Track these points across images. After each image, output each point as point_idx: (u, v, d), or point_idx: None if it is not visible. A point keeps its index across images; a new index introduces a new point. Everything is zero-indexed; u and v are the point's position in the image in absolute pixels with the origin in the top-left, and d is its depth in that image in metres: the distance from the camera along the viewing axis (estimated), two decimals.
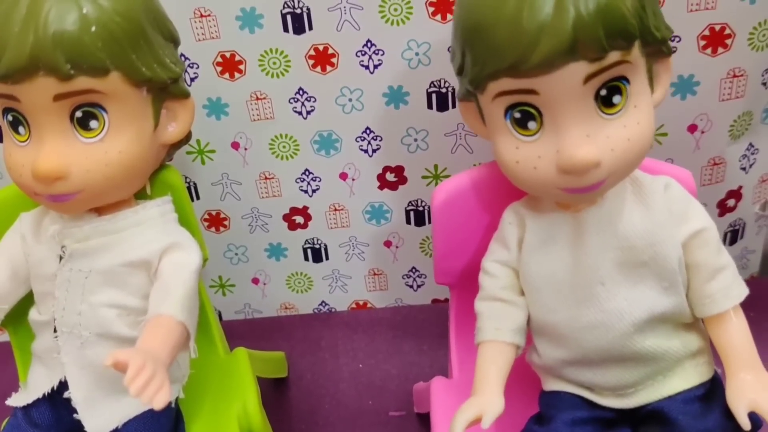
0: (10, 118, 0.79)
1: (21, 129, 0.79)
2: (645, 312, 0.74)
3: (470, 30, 0.70)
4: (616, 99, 0.69)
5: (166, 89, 0.82)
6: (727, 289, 0.75)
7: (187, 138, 0.90)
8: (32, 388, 0.87)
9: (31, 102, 0.76)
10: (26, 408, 0.86)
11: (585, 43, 0.64)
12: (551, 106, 0.68)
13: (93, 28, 0.73)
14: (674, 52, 0.74)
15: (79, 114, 0.77)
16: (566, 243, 0.76)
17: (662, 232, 0.74)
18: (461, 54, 0.73)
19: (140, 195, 0.88)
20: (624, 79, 0.69)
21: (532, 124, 0.70)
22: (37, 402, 0.86)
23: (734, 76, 1.04)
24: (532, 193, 0.77)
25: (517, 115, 0.70)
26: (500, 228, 0.82)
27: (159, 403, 0.68)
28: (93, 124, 0.77)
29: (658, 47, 0.71)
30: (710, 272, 0.75)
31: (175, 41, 0.86)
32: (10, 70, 0.73)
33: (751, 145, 1.13)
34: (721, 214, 1.19)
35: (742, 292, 0.75)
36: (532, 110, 0.69)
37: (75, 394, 0.84)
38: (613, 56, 0.66)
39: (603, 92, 0.68)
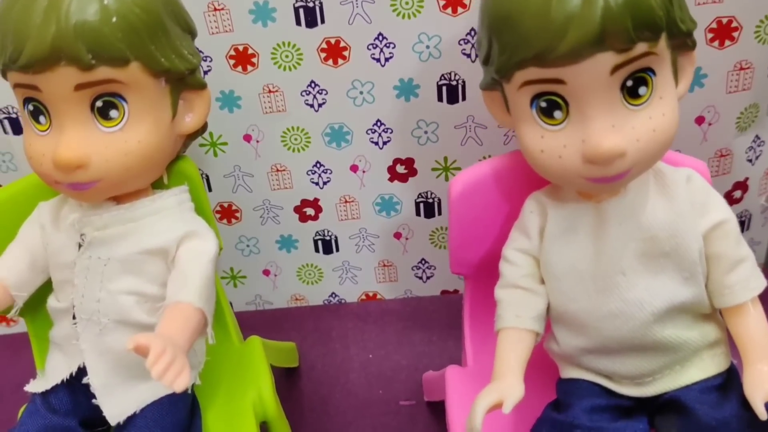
0: (30, 107, 0.80)
1: (41, 118, 0.79)
2: (665, 302, 0.75)
3: (498, 19, 0.70)
4: (642, 90, 0.69)
5: (183, 80, 0.83)
6: (746, 280, 0.76)
7: (203, 129, 0.91)
8: (50, 374, 0.88)
9: (52, 92, 0.77)
10: (45, 394, 0.87)
11: (613, 34, 0.65)
12: (578, 96, 0.69)
13: (114, 19, 0.74)
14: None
15: (99, 103, 0.78)
16: (588, 233, 0.77)
17: (684, 224, 0.75)
18: (488, 43, 0.74)
19: (157, 185, 0.89)
20: (650, 70, 0.69)
21: (557, 114, 0.71)
22: (55, 388, 0.86)
23: (741, 68, 1.05)
24: (556, 182, 0.78)
25: (543, 104, 0.71)
26: (521, 216, 0.83)
27: (180, 386, 0.69)
28: (113, 113, 0.78)
29: (683, 40, 0.72)
30: (730, 264, 0.76)
31: (192, 33, 0.87)
32: (32, 60, 0.74)
33: (757, 137, 1.14)
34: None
35: (761, 284, 0.76)
36: (558, 100, 0.70)
37: (93, 380, 0.84)
38: (640, 47, 0.67)
39: (629, 83, 0.69)
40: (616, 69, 0.67)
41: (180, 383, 0.69)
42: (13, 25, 0.74)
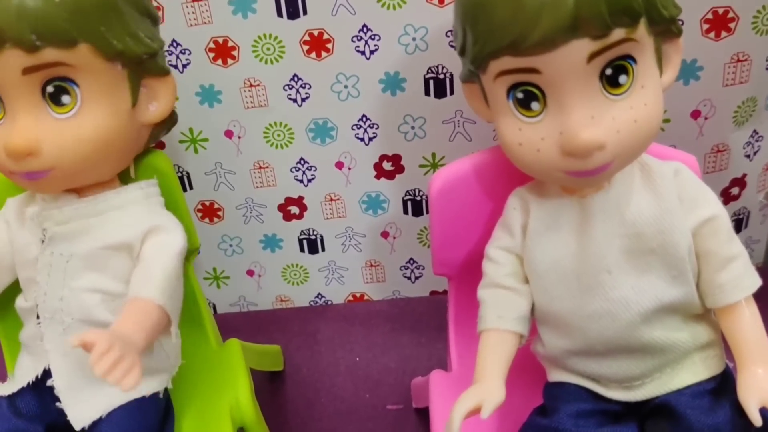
0: None
1: None
2: (652, 302, 0.73)
3: (471, 7, 0.68)
4: (622, 79, 0.67)
5: (142, 65, 0.81)
6: (738, 279, 0.73)
7: (172, 119, 0.89)
8: (18, 376, 0.86)
9: (0, 77, 0.75)
10: (11, 397, 0.84)
11: (587, 20, 0.63)
12: (554, 86, 0.67)
13: None
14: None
15: (50, 89, 0.76)
16: (572, 229, 0.75)
17: (671, 219, 0.72)
18: (462, 33, 0.71)
19: (126, 179, 0.87)
20: (630, 58, 0.67)
21: (535, 105, 0.69)
22: (22, 391, 0.84)
23: (738, 60, 1.03)
24: (536, 176, 0.75)
25: (520, 95, 0.69)
26: (504, 214, 0.81)
27: (127, 386, 0.68)
28: (65, 99, 0.77)
29: (666, 26, 0.70)
30: (721, 261, 0.73)
31: (151, 17, 0.84)
32: None
33: (755, 132, 1.12)
34: (725, 203, 1.17)
35: (755, 282, 0.73)
36: (535, 90, 0.68)
37: (58, 383, 0.83)
38: (618, 34, 0.65)
39: (608, 72, 0.66)
40: (593, 57, 0.65)
41: (127, 382, 0.68)
42: None
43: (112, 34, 0.76)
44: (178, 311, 0.81)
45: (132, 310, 0.77)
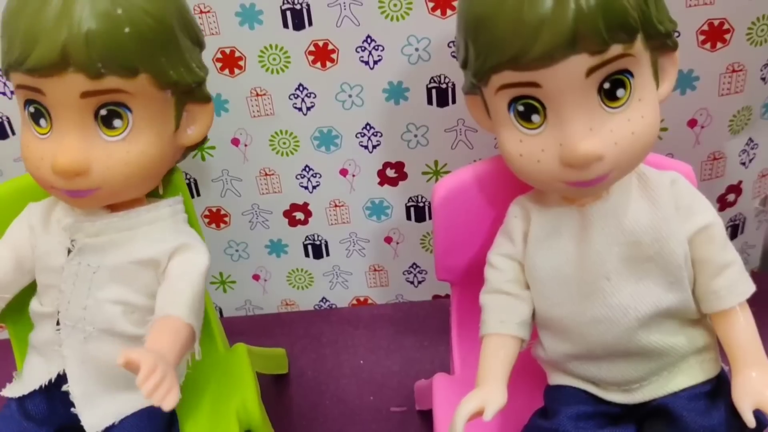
0: (32, 109, 0.78)
1: (42, 122, 0.78)
2: (650, 307, 0.74)
3: (473, 23, 0.70)
4: (619, 92, 0.68)
5: (189, 92, 0.82)
6: (733, 285, 0.74)
7: (203, 141, 0.90)
8: (28, 379, 0.86)
9: (57, 97, 0.76)
10: (21, 399, 0.85)
11: (586, 36, 0.64)
12: (554, 99, 0.68)
13: (126, 29, 0.73)
14: None
15: (103, 112, 0.77)
16: (571, 237, 0.76)
17: (668, 228, 0.73)
18: (465, 47, 0.73)
19: (152, 194, 0.88)
20: (627, 72, 0.68)
21: (535, 117, 0.70)
22: (32, 394, 0.85)
23: (733, 71, 1.04)
24: (537, 186, 0.77)
25: (521, 108, 0.70)
26: (506, 221, 0.82)
27: (168, 405, 0.68)
28: (117, 123, 0.77)
29: (663, 40, 0.71)
30: (716, 268, 0.74)
31: (200, 45, 0.85)
32: (40, 64, 0.73)
33: (750, 140, 1.13)
34: (721, 209, 1.19)
35: (749, 288, 0.75)
36: (536, 103, 0.69)
37: (74, 389, 0.83)
38: (615, 49, 0.66)
39: (606, 85, 0.68)
40: (591, 71, 0.66)
41: (169, 401, 0.68)
42: (23, 26, 0.73)
43: (170, 65, 0.78)
44: (201, 328, 0.82)
45: (163, 328, 0.78)
